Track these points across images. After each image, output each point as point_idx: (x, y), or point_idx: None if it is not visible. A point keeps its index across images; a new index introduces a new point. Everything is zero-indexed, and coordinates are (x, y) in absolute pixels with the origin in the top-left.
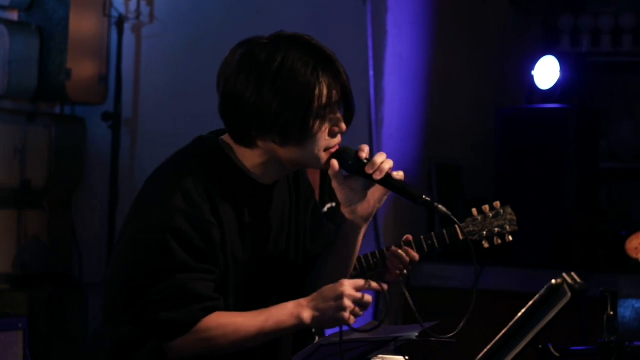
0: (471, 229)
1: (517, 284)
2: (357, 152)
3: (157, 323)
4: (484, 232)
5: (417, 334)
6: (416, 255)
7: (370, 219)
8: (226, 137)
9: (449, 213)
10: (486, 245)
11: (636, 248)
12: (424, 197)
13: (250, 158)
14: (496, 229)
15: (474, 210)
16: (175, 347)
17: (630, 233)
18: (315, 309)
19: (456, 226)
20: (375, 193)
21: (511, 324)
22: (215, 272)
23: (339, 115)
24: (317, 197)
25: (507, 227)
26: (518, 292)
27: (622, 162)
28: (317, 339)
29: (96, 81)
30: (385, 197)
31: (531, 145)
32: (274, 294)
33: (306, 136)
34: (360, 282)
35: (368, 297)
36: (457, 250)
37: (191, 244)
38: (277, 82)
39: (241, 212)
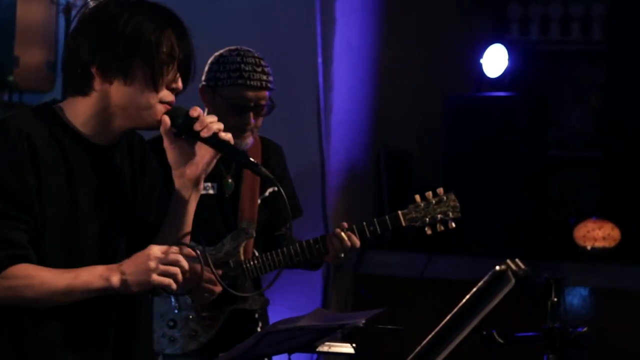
0: (414, 216)
1: (465, 271)
2: (187, 111)
3: None
4: (427, 219)
5: (364, 321)
6: (357, 241)
7: (200, 184)
8: (62, 103)
9: (271, 176)
10: (429, 231)
11: (584, 236)
12: (249, 159)
13: (82, 112)
14: (439, 216)
15: (417, 197)
16: None
17: (579, 221)
18: (123, 272)
19: (398, 212)
20: (205, 155)
21: (455, 310)
22: (28, 222)
23: (178, 73)
24: (258, 180)
25: (450, 213)
26: (466, 280)
27: (571, 150)
28: (260, 327)
29: (44, 69)
30: (214, 161)
31: (480, 133)
32: (98, 255)
33: (151, 78)
34: (170, 247)
35: (177, 256)
36: (407, 238)
37: (5, 188)
38: (126, 28)
39: (69, 167)
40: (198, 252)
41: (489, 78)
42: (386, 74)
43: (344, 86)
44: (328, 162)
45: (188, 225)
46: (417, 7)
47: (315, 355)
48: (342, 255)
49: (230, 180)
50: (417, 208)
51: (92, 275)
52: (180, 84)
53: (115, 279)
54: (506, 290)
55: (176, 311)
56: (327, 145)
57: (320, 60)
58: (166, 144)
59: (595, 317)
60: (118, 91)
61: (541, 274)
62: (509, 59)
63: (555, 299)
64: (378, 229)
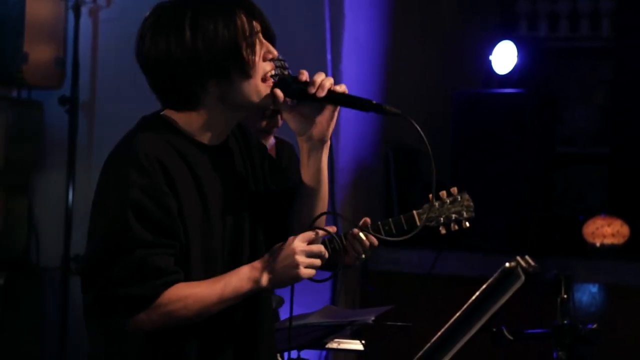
0: (429, 215)
1: (473, 269)
2: (296, 77)
3: (117, 299)
4: (441, 218)
5: (373, 318)
6: (375, 240)
7: (328, 140)
8: (166, 112)
9: (399, 112)
10: (443, 231)
11: (593, 233)
12: (372, 102)
13: (195, 121)
14: (453, 215)
15: (431, 197)
16: (137, 323)
17: (588, 218)
18: (269, 270)
19: (413, 212)
20: (325, 112)
21: (465, 307)
22: (175, 246)
23: (265, 42)
24: None
25: (464, 213)
26: (474, 277)
27: (578, 147)
28: None
29: (53, 65)
30: (336, 114)
31: (488, 130)
32: (230, 254)
33: (244, 68)
34: (309, 234)
35: (320, 247)
36: (416, 235)
37: (150, 217)
38: (196, 27)
39: (197, 178)
40: (334, 231)
41: (497, 75)
42: (394, 70)
43: (353, 83)
44: (337, 160)
45: (325, 186)
46: (426, 2)
47: (324, 352)
48: (363, 257)
49: None
50: (432, 208)
51: (240, 280)
52: (274, 50)
53: (264, 279)
54: (516, 287)
55: None
56: (336, 142)
57: (329, 57)
58: (285, 115)
59: (604, 314)
60: (224, 95)
61: (550, 270)
62: (517, 56)
63: (565, 296)
64: (393, 229)
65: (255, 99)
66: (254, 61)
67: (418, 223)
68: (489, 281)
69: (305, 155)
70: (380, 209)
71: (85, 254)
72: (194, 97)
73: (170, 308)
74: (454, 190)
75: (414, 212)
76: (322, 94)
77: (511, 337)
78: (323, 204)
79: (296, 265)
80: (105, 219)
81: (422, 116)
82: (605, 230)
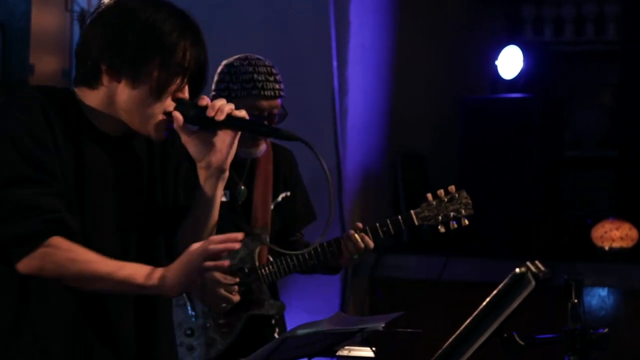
0: (426, 214)
1: (481, 274)
2: (196, 102)
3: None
4: (440, 217)
5: (383, 325)
6: (370, 243)
7: (226, 171)
8: (75, 90)
9: (297, 136)
10: (442, 229)
11: (602, 236)
12: (270, 126)
13: (90, 102)
14: (452, 213)
15: (429, 195)
16: (23, 266)
17: (596, 222)
18: (164, 275)
19: (411, 212)
20: (225, 139)
21: (476, 313)
22: (54, 185)
23: (186, 84)
24: (270, 186)
25: (463, 211)
26: (482, 282)
27: (585, 150)
28: (277, 332)
29: (59, 76)
30: (236, 141)
31: (495, 135)
32: (112, 244)
33: (154, 86)
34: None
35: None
36: (424, 240)
37: (29, 153)
38: (143, 26)
39: (79, 151)
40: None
41: (504, 80)
42: (401, 77)
43: (359, 89)
44: (344, 166)
45: (215, 215)
46: (431, 8)
47: (335, 359)
48: (356, 257)
49: (242, 187)
50: (430, 206)
51: (136, 271)
52: (186, 94)
53: (158, 276)
54: (526, 292)
55: (193, 319)
56: (343, 149)
57: (335, 64)
58: (184, 139)
59: (613, 318)
60: (123, 92)
61: (559, 275)
62: (523, 61)
63: (575, 300)
64: (391, 229)
65: (143, 121)
66: (164, 89)
67: (416, 222)
68: (500, 287)
69: (202, 183)
70: (389, 214)
71: None
72: (98, 75)
73: (56, 254)
74: (452, 188)
75: (412, 211)
76: (221, 117)
77: (522, 343)
78: (207, 234)
79: (205, 269)
80: None
81: (430, 121)
82: (614, 234)
